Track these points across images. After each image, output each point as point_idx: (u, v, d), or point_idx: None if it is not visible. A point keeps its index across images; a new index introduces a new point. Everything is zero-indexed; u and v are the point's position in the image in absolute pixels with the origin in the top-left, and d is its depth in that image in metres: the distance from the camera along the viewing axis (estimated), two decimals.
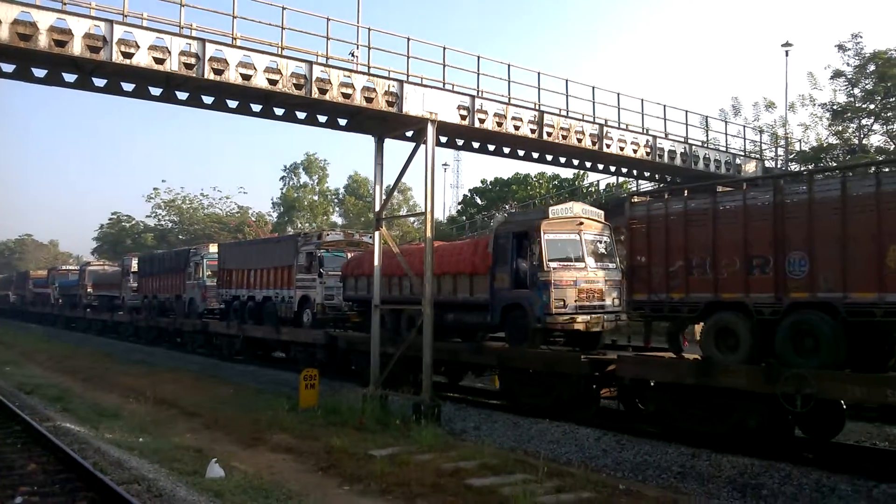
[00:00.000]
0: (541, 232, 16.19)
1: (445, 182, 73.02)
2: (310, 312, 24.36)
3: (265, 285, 26.89)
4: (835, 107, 32.99)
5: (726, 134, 26.59)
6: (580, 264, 16.38)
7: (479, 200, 57.71)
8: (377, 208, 18.72)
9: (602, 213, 18.08)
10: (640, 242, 14.42)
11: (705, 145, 25.24)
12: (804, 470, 10.94)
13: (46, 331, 49.05)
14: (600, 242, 17.18)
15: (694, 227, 13.44)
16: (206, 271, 32.29)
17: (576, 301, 16.04)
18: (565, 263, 16.25)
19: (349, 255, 24.12)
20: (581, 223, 16.84)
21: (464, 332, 19.61)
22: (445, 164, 67.98)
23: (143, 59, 13.75)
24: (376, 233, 18.46)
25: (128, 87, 15.17)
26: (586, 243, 16.68)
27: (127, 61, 13.63)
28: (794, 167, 29.86)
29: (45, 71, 14.30)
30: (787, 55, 34.10)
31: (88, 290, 48.75)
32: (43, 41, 12.83)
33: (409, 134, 18.23)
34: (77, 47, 13.14)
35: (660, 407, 13.79)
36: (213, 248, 33.22)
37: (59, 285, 55.77)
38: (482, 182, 58.56)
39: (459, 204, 61.96)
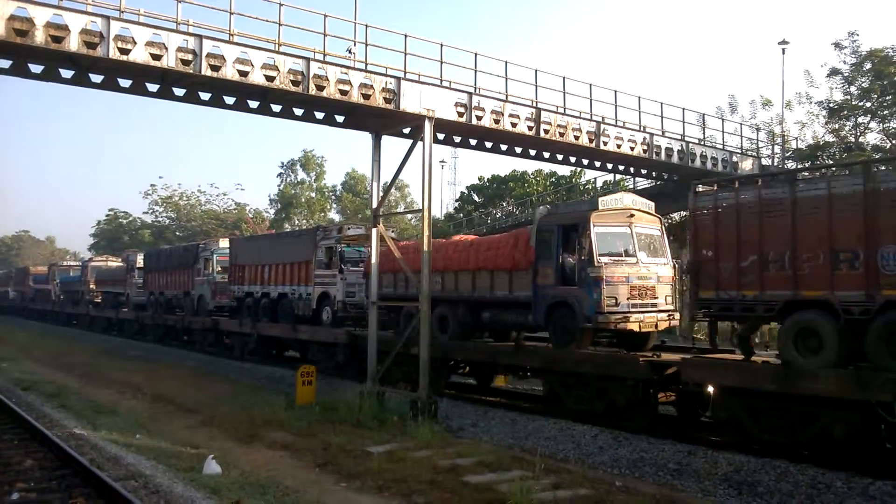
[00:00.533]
0: (590, 224, 15.19)
1: (443, 179, 72.97)
2: (329, 310, 23.26)
3: (281, 281, 25.71)
4: (831, 105, 33.02)
5: (723, 132, 26.61)
6: (632, 259, 15.44)
7: (476, 198, 57.69)
8: (374, 205, 18.73)
9: (652, 204, 17.08)
10: (707, 235, 13.31)
11: (702, 143, 25.26)
12: (800, 467, 10.97)
13: (44, 327, 48.75)
14: (651, 236, 16.21)
15: (770, 217, 12.32)
16: (216, 267, 31.01)
17: (628, 299, 15.04)
18: (616, 258, 15.30)
19: (368, 249, 22.62)
20: (632, 215, 15.88)
21: (496, 332, 18.89)
22: (443, 162, 67.93)
23: (140, 55, 13.73)
24: (374, 229, 18.47)
25: (125, 83, 15.16)
26: (637, 236, 15.72)
27: (124, 57, 13.61)
28: (790, 165, 29.88)
29: (42, 67, 14.27)
30: (783, 53, 33.99)
31: (91, 286, 47.23)
32: (40, 37, 12.80)
33: (407, 131, 18.24)
34: (74, 43, 13.11)
35: (730, 415, 12.62)
36: (224, 243, 31.77)
37: (61, 281, 54.39)
38: (479, 179, 58.57)
39: (457, 201, 61.96)
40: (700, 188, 13.88)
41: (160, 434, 14.53)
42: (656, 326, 15.62)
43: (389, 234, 21.08)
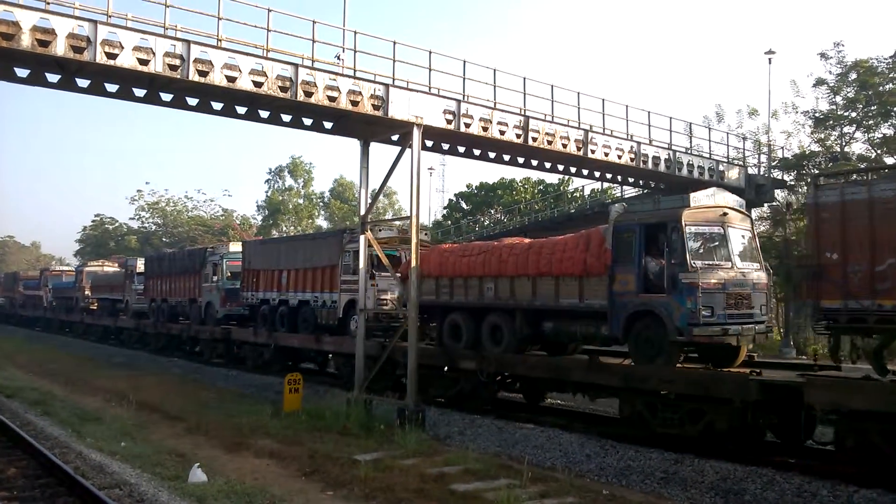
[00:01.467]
0: (682, 223, 13.35)
1: (431, 186, 72.93)
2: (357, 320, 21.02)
3: (302, 287, 23.60)
4: (817, 114, 33.25)
5: (710, 140, 26.75)
6: (726, 264, 13.56)
7: (464, 205, 57.78)
8: (363, 212, 18.70)
9: (743, 201, 15.38)
10: (831, 235, 11.53)
11: (689, 151, 25.39)
12: (786, 475, 10.99)
13: (31, 334, 48.18)
14: (744, 236, 14.37)
15: None
16: (226, 272, 28.70)
17: (724, 309, 13.16)
18: (710, 263, 13.52)
19: (402, 254, 21.06)
20: (725, 213, 14.08)
21: (550, 345, 17.02)
22: (431, 169, 67.89)
23: (127, 59, 13.67)
24: (361, 236, 18.44)
25: (112, 87, 15.08)
26: (732, 238, 13.89)
27: (111, 62, 13.55)
28: (776, 174, 30.07)
29: (28, 71, 14.18)
30: (769, 62, 34.24)
31: (86, 292, 44.46)
32: (26, 41, 12.72)
33: (395, 138, 18.23)
34: (61, 47, 13.04)
35: (862, 441, 10.87)
36: (235, 247, 29.84)
37: (53, 287, 51.61)
38: (468, 186, 58.68)
39: (445, 208, 62.00)
40: (822, 180, 12.34)
41: (145, 442, 14.42)
42: (754, 340, 13.96)
43: (422, 238, 20.23)
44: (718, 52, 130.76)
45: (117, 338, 39.49)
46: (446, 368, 17.93)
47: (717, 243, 13.92)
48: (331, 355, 23.46)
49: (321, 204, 76.46)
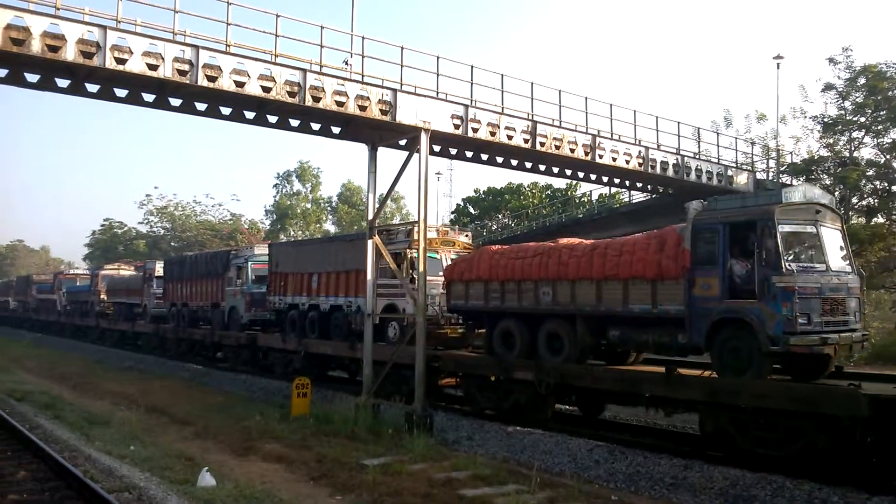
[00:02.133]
0: (776, 221, 12.08)
1: (439, 191, 72.95)
2: (397, 326, 19.72)
3: (334, 292, 22.14)
4: (826, 119, 33.12)
5: (718, 146, 26.73)
6: (820, 266, 12.40)
7: (472, 210, 57.83)
8: (370, 217, 18.71)
9: (833, 198, 14.28)
10: None
11: (697, 157, 25.35)
12: (796, 482, 10.91)
13: (38, 338, 48.11)
14: (838, 237, 13.12)
15: None
16: (251, 276, 27.38)
17: (821, 315, 11.97)
18: (804, 265, 12.42)
19: (443, 256, 19.60)
20: (819, 211, 12.74)
21: (607, 354, 15.78)
22: (439, 174, 67.85)
23: (136, 65, 13.73)
24: (369, 241, 18.45)
25: (121, 92, 15.15)
26: (826, 238, 12.66)
27: (120, 67, 13.62)
28: (785, 179, 29.99)
29: (38, 76, 14.25)
30: (778, 67, 34.26)
31: (102, 296, 42.78)
32: (36, 46, 12.80)
33: (403, 142, 18.26)
34: (70, 53, 13.12)
35: None
36: (261, 249, 28.59)
37: (67, 291, 49.93)
38: (475, 191, 58.81)
39: (453, 213, 62.02)
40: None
41: (154, 446, 14.45)
42: (850, 349, 12.66)
43: (463, 239, 20.27)
44: (726, 57, 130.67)
45: (134, 343, 38.44)
46: (497, 378, 16.72)
47: (810, 243, 12.74)
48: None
49: (329, 208, 76.62)
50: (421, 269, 17.06)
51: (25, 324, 58.11)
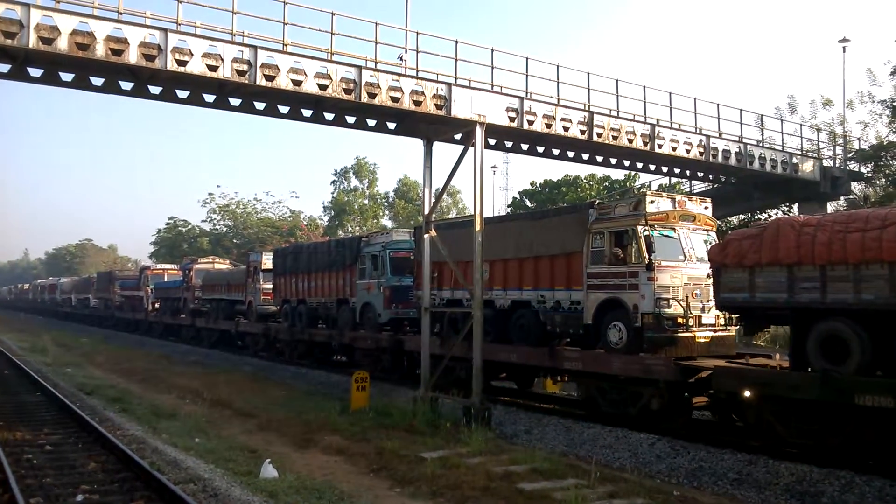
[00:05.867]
0: None
1: (494, 185, 72.66)
2: (623, 327, 15.13)
3: (516, 284, 18.16)
4: (895, 104, 31.99)
5: (782, 133, 26.01)
6: None
7: (528, 203, 57.40)
8: (426, 211, 18.74)
9: None
10: None
11: (761, 144, 24.72)
12: (866, 478, 10.58)
13: (106, 333, 49.02)
14: None
15: None
16: (388, 267, 23.39)
17: None
18: None
19: (681, 234, 15.51)
20: None
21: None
22: (494, 167, 67.60)
23: (196, 66, 14.02)
24: (425, 236, 18.49)
25: (182, 94, 15.51)
26: None
27: (181, 69, 13.92)
28: (853, 166, 29.02)
29: (103, 79, 14.69)
30: (844, 51, 33.15)
31: (196, 292, 39.47)
32: (100, 50, 13.18)
33: (458, 136, 18.22)
34: (133, 56, 13.46)
35: None
36: (401, 235, 24.72)
37: (155, 287, 46.97)
38: (531, 184, 58.24)
39: (508, 206, 61.68)
40: None
41: (218, 438, 14.76)
42: None
43: (703, 211, 16.13)
44: (790, 42, 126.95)
45: (235, 345, 35.28)
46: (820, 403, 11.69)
47: None
48: (565, 377, 17.97)
49: (386, 204, 77.03)
50: (477, 262, 16.95)
51: (107, 322, 55.66)
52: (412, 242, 21.77)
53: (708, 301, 14.73)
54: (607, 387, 15.46)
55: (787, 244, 12.23)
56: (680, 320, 14.52)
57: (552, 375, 18.46)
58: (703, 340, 14.81)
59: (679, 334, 14.51)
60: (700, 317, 14.87)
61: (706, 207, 16.27)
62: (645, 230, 14.93)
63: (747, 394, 12.65)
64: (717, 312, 14.71)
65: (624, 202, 16.25)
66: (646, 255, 14.64)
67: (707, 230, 15.97)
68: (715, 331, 15.01)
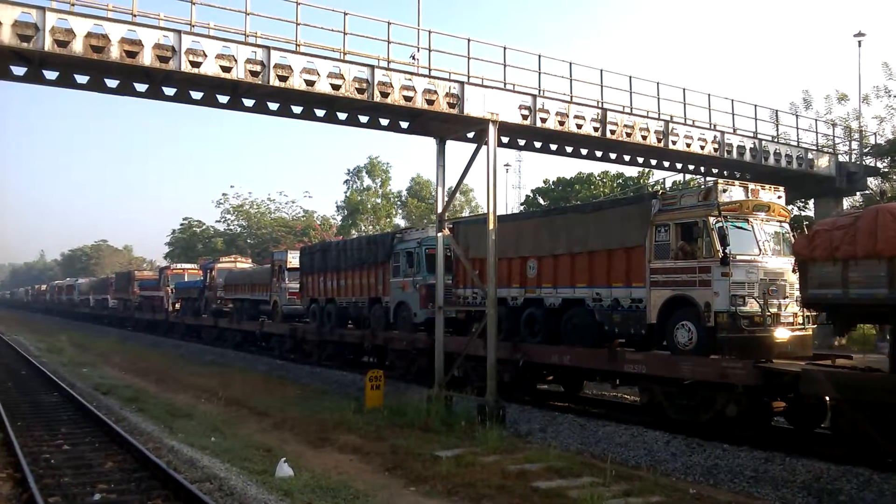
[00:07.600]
0: None
1: (507, 183, 72.56)
2: (693, 327, 14.04)
3: (569, 280, 16.91)
4: None
5: (797, 128, 25.81)
6: None
7: (541, 201, 57.27)
8: (440, 210, 18.75)
9: None
10: None
11: (775, 140, 24.56)
12: (885, 476, 10.49)
13: (124, 334, 49.16)
14: None
15: None
16: (424, 264, 22.00)
17: None
18: None
19: (754, 225, 14.33)
20: None
21: None
22: (507, 165, 67.35)
23: (210, 67, 14.08)
24: (439, 234, 18.50)
25: (196, 95, 15.59)
26: None
27: (195, 70, 13.99)
28: (869, 161, 28.75)
29: (118, 81, 14.79)
30: (859, 45, 32.75)
31: (219, 292, 38.27)
32: (115, 52, 13.27)
33: (471, 135, 18.21)
34: (147, 57, 13.54)
35: None
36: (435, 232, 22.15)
37: (176, 287, 46.12)
38: (544, 182, 58.07)
39: (522, 205, 61.56)
40: None
41: (234, 437, 14.83)
42: None
43: (775, 200, 14.93)
44: (805, 37, 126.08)
45: (260, 346, 34.07)
46: None
47: None
48: (618, 380, 16.94)
49: (398, 203, 77.09)
50: (491, 259, 16.94)
51: (127, 323, 55.06)
52: (448, 239, 20.13)
53: (784, 298, 13.84)
54: (676, 392, 14.39)
55: (887, 234, 10.96)
56: (757, 319, 13.39)
57: (609, 379, 17.24)
58: (780, 340, 13.62)
59: (757, 335, 13.41)
60: (778, 315, 13.70)
61: (779, 196, 15.08)
62: (717, 222, 13.81)
63: (839, 400, 11.60)
64: (796, 310, 13.79)
65: (691, 192, 15.32)
66: (719, 248, 13.52)
67: (781, 221, 14.82)
68: (793, 330, 13.86)
